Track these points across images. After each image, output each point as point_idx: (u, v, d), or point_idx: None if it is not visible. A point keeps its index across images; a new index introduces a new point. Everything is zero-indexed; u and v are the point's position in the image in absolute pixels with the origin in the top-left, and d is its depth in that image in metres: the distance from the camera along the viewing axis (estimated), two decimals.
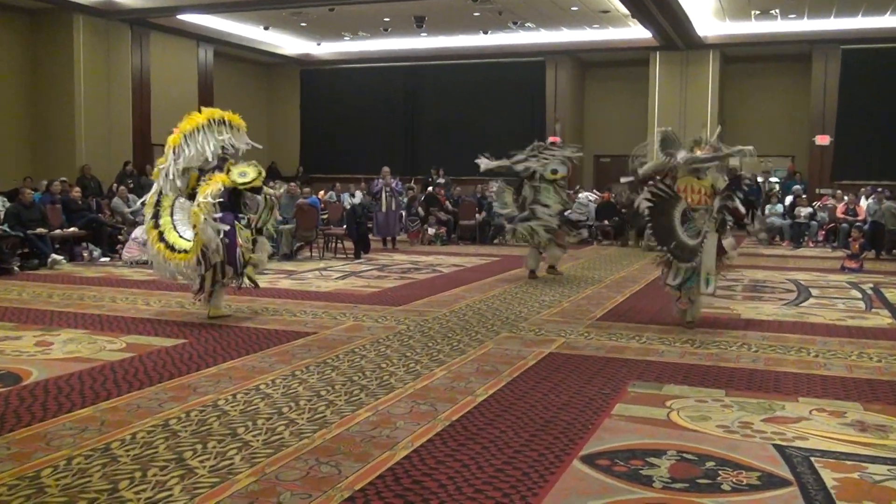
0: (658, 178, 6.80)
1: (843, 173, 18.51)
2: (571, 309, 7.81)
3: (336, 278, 10.12)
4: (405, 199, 15.24)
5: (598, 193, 17.47)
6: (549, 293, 8.83)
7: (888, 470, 3.57)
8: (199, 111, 7.21)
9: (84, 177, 15.37)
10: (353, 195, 16.81)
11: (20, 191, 11.93)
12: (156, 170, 7.29)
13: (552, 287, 9.32)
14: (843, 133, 18.48)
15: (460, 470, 3.49)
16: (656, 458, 3.67)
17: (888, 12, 16.38)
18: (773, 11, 16.49)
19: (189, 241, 6.91)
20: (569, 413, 4.34)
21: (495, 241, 15.12)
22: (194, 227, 6.83)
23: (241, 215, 7.10)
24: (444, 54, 20.96)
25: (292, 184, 13.93)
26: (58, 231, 11.68)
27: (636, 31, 18.01)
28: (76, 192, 13.00)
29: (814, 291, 9.12)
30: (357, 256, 12.48)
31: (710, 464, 3.60)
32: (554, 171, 9.68)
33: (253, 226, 7.20)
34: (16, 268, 10.29)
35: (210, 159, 7.08)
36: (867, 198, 15.01)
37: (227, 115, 7.14)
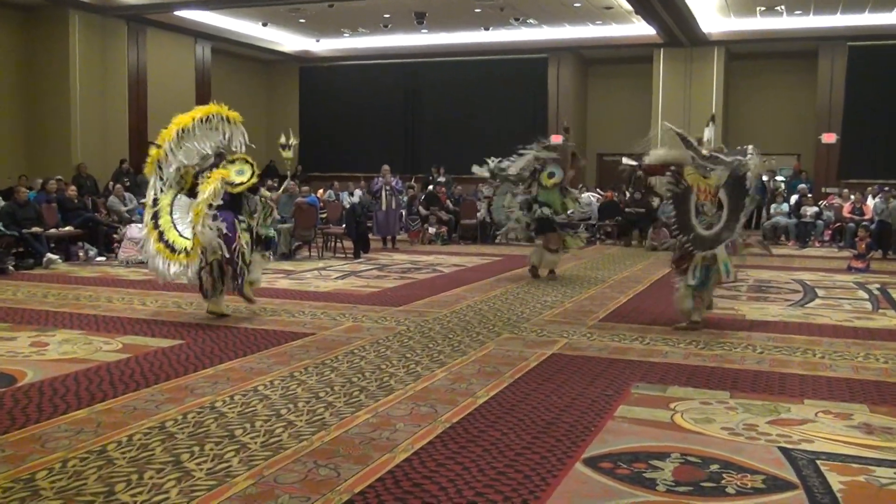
0: (670, 170, 6.76)
1: (849, 172, 18.37)
2: (574, 309, 7.77)
3: (335, 278, 10.08)
4: (405, 198, 15.20)
5: (601, 192, 17.43)
6: (551, 293, 8.79)
7: (895, 473, 3.53)
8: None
9: (80, 175, 15.33)
10: (351, 194, 16.77)
11: (15, 189, 11.84)
12: (149, 161, 7.16)
13: (554, 287, 9.28)
14: (849, 131, 18.35)
15: (461, 473, 3.46)
16: (660, 460, 3.63)
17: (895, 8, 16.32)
18: (778, 7, 16.40)
19: (189, 239, 6.84)
20: (571, 415, 4.31)
21: (497, 240, 15.07)
22: (194, 228, 6.78)
23: (240, 217, 7.07)
24: (445, 51, 20.85)
25: (291, 182, 13.87)
26: (53, 230, 11.62)
27: (640, 28, 17.92)
28: (72, 190, 12.95)
29: (820, 292, 9.08)
30: (356, 256, 12.43)
31: (714, 467, 3.57)
32: (550, 175, 9.65)
33: (254, 226, 7.16)
34: (11, 267, 10.23)
35: (209, 153, 7.05)
36: (874, 197, 14.97)
37: (223, 110, 7.08)
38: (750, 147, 6.83)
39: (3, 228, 10.74)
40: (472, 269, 11.11)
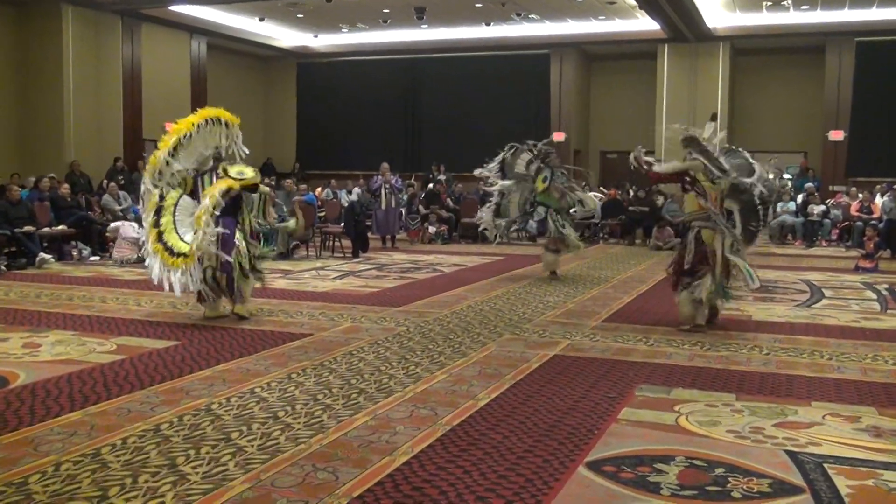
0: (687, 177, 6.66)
1: (857, 170, 18.24)
2: (576, 310, 7.74)
3: (334, 278, 10.04)
4: (405, 197, 15.15)
5: (604, 191, 17.36)
6: (553, 294, 8.76)
7: None
8: (192, 107, 7.14)
9: (73, 173, 15.24)
10: (350, 192, 16.72)
11: (7, 188, 11.74)
12: (148, 166, 7.15)
13: (557, 287, 9.25)
14: (857, 128, 18.23)
15: (462, 476, 3.43)
16: (664, 464, 3.61)
17: None
18: (785, 2, 16.35)
19: (188, 244, 6.79)
20: (574, 417, 4.27)
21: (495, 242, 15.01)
22: (195, 232, 6.74)
23: (240, 224, 7.04)
24: (445, 47, 20.81)
25: (288, 181, 13.84)
26: (46, 229, 11.52)
27: (644, 23, 17.84)
28: (65, 188, 12.84)
29: (827, 292, 9.04)
30: (355, 255, 12.38)
31: (719, 470, 3.55)
32: (544, 179, 9.63)
33: (249, 220, 7.14)
34: (3, 267, 10.14)
35: (208, 156, 7.04)
36: (882, 195, 14.93)
37: (223, 113, 7.09)
38: (747, 155, 6.80)
39: None
40: (472, 269, 11.08)
